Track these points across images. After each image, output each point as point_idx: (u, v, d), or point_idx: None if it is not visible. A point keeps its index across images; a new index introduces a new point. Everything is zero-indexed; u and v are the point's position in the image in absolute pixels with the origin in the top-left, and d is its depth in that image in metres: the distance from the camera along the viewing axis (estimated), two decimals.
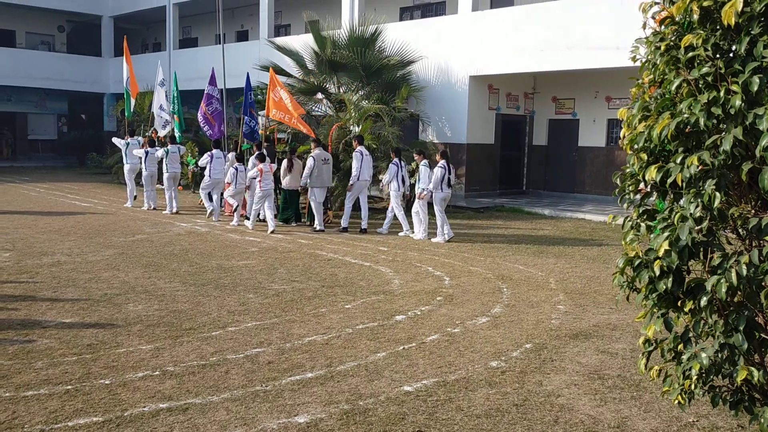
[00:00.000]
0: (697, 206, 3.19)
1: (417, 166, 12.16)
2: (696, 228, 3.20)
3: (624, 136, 3.64)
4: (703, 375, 3.43)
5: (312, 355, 5.55)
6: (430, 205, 11.71)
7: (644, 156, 3.50)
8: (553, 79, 18.21)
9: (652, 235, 3.43)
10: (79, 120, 31.50)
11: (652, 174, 3.37)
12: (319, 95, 17.14)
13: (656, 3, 3.55)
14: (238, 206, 13.04)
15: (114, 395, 4.62)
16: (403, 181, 12.13)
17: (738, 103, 3.01)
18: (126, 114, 18.25)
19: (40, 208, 14.82)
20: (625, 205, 3.71)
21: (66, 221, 12.91)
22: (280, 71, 17.33)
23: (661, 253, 3.27)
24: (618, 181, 3.75)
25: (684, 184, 3.25)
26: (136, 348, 5.64)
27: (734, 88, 3.05)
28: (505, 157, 18.61)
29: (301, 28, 22.14)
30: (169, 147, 14.79)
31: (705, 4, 3.20)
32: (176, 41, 27.34)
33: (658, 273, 3.34)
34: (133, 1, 28.59)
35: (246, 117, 14.54)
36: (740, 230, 3.37)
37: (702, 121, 3.14)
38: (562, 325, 6.67)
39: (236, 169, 12.66)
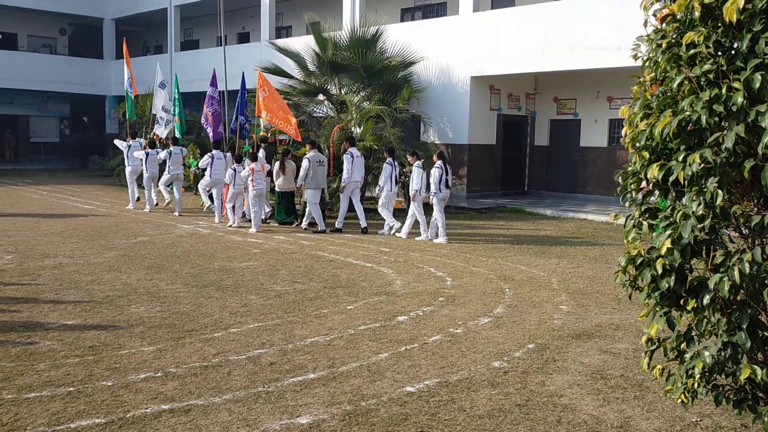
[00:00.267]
0: (699, 204, 3.18)
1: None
2: (698, 226, 3.19)
3: (626, 135, 3.63)
4: (706, 374, 3.42)
5: (314, 356, 5.55)
6: (428, 206, 11.74)
7: (646, 154, 3.49)
8: (554, 80, 18.20)
9: (654, 234, 3.42)
10: (80, 122, 31.52)
11: (654, 172, 3.36)
12: (321, 96, 17.15)
13: (657, 0, 3.54)
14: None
15: (116, 397, 4.62)
16: (396, 182, 12.18)
17: (740, 100, 3.00)
18: (127, 116, 18.26)
19: (43, 211, 14.84)
20: (627, 204, 3.70)
21: (68, 223, 12.92)
22: (281, 73, 17.38)
23: (663, 251, 3.26)
24: (620, 180, 3.74)
25: (686, 182, 3.24)
26: (138, 349, 5.64)
27: (736, 85, 3.04)
28: (506, 158, 18.59)
29: (302, 30, 22.16)
30: (172, 149, 14.82)
31: (706, 1, 3.19)
32: (177, 43, 27.37)
33: (660, 271, 3.33)
34: (134, 4, 28.62)
35: (242, 117, 14.62)
36: (743, 228, 3.36)
37: (704, 119, 3.13)
38: (564, 325, 6.65)
39: (234, 170, 12.71)
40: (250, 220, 12.78)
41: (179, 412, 4.39)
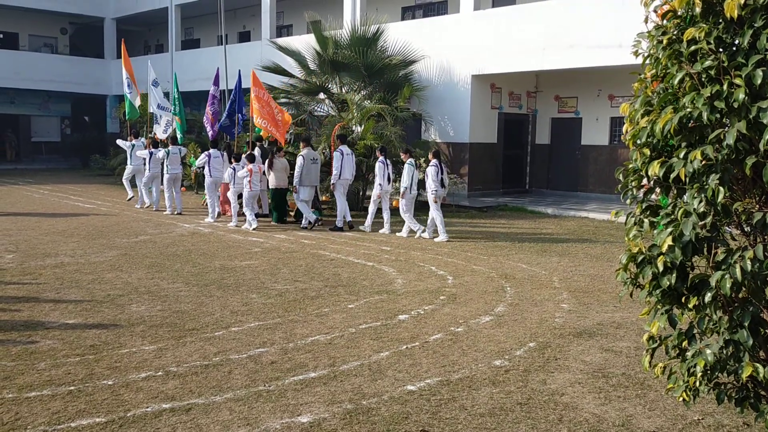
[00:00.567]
0: (700, 201, 3.16)
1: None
2: (700, 223, 3.18)
3: (626, 132, 3.62)
4: (708, 372, 3.40)
5: (315, 355, 5.54)
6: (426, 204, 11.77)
7: (647, 151, 3.48)
8: (555, 78, 18.18)
9: (655, 231, 3.41)
10: (82, 122, 31.55)
11: (655, 169, 3.34)
12: (322, 95, 17.14)
13: None
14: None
15: (117, 396, 4.61)
16: (390, 179, 12.21)
17: (741, 96, 2.98)
18: (127, 116, 18.27)
19: (44, 210, 14.84)
20: (629, 201, 3.69)
21: (69, 223, 12.93)
22: (282, 71, 17.38)
23: (664, 248, 3.25)
24: (621, 177, 3.73)
25: (687, 179, 3.22)
26: (139, 348, 5.63)
27: (737, 81, 3.02)
28: (507, 156, 18.58)
29: (303, 29, 22.15)
30: (170, 148, 14.82)
31: None
32: (178, 42, 27.37)
33: (661, 269, 3.32)
34: (135, 3, 28.62)
35: (241, 115, 14.64)
36: (744, 225, 3.34)
37: (705, 116, 3.11)
38: (565, 323, 6.64)
39: (234, 170, 12.73)
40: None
41: (180, 411, 4.38)
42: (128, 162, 15.92)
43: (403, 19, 21.19)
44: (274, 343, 5.82)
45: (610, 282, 8.43)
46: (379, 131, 14.70)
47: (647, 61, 3.59)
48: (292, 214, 13.57)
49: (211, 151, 13.78)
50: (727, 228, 3.37)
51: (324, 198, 14.52)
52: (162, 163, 14.99)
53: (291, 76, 17.47)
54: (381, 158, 12.14)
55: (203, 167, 13.84)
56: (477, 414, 4.43)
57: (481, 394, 4.78)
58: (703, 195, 3.15)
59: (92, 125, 30.94)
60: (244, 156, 12.97)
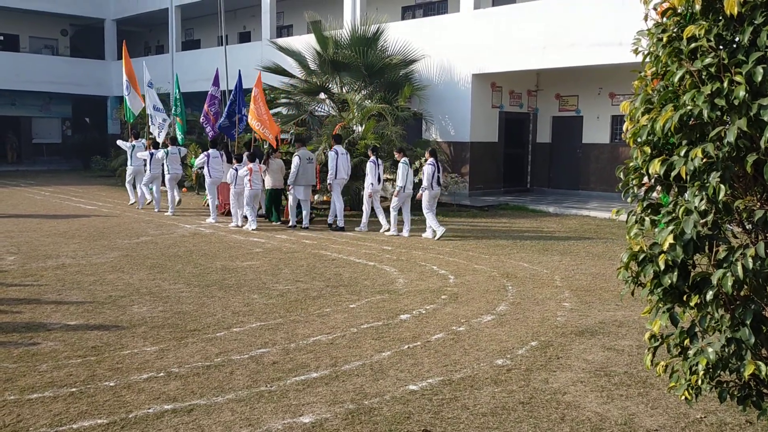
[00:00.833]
0: (701, 199, 3.16)
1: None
2: (701, 221, 3.17)
3: (627, 130, 3.61)
4: (710, 370, 3.40)
5: (317, 355, 5.54)
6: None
7: (648, 149, 3.47)
8: (556, 77, 18.16)
9: (656, 229, 3.40)
10: (83, 123, 31.58)
11: (656, 167, 3.34)
12: (322, 95, 17.13)
13: None
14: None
15: (119, 397, 4.61)
16: (380, 179, 12.30)
17: (742, 93, 2.98)
18: (126, 118, 18.27)
19: (45, 211, 14.86)
20: (630, 199, 3.68)
21: (70, 224, 12.93)
22: (282, 72, 17.36)
23: (665, 247, 3.24)
24: (621, 175, 3.72)
25: (688, 177, 3.21)
26: (141, 349, 5.63)
27: (738, 78, 3.01)
28: (508, 155, 18.56)
29: (303, 29, 22.15)
30: (169, 148, 14.84)
31: None
32: (179, 43, 27.38)
33: (663, 267, 3.31)
34: (135, 4, 28.63)
35: (242, 116, 14.65)
36: (746, 223, 3.33)
37: (706, 113, 3.11)
38: (567, 322, 6.63)
39: (236, 170, 12.74)
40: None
41: (182, 412, 4.38)
42: (128, 163, 15.94)
43: (403, 18, 21.18)
44: (275, 344, 5.82)
45: (611, 280, 8.42)
46: (379, 131, 14.69)
47: (647, 59, 3.58)
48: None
49: (211, 151, 13.79)
50: (728, 226, 3.36)
51: (325, 198, 14.53)
52: (162, 164, 15.01)
53: (291, 76, 17.46)
54: (372, 158, 12.20)
55: (203, 167, 13.84)
56: (479, 413, 4.43)
57: (483, 393, 4.77)
58: (704, 193, 3.14)
59: (93, 126, 30.97)
60: (245, 155, 12.98)
